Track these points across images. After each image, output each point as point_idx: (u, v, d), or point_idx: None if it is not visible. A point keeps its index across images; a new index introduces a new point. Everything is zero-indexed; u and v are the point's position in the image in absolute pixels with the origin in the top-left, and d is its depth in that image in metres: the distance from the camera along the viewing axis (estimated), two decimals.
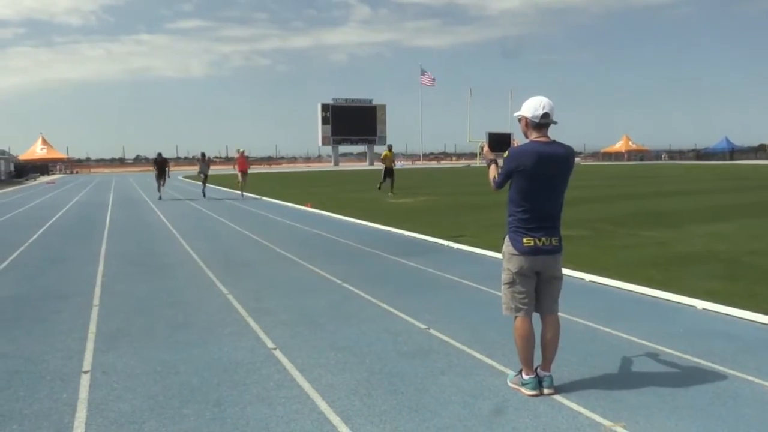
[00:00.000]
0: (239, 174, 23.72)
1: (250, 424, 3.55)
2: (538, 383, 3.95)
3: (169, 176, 24.86)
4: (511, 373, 4.17)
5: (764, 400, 3.79)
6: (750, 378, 4.13)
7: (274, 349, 4.90)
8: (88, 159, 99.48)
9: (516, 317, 4.01)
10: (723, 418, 3.55)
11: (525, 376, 3.97)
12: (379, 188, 24.36)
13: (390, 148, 25.06)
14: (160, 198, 22.66)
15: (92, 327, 5.59)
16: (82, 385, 4.17)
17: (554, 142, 3.98)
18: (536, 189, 3.93)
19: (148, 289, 7.22)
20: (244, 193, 23.26)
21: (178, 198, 23.99)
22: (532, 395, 3.89)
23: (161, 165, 24.56)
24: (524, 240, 3.92)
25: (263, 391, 4.02)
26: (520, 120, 4.04)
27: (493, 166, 4.22)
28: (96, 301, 6.62)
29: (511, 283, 4.00)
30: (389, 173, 23.75)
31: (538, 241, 3.92)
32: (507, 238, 4.04)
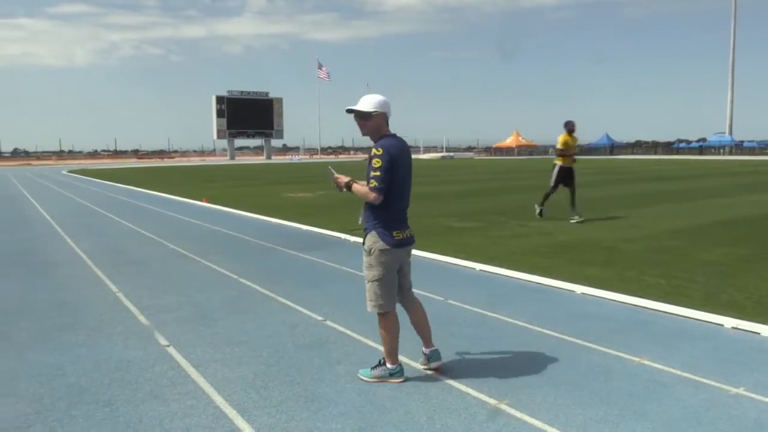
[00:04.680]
0: None
1: (143, 421, 3.50)
2: (427, 360, 4.17)
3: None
4: (367, 370, 4.15)
5: (631, 372, 4.16)
6: (620, 354, 4.50)
7: (168, 346, 4.82)
8: None
9: (386, 312, 4.04)
10: (596, 390, 3.86)
11: (390, 366, 4.06)
12: (540, 214, 12.59)
13: (570, 128, 12.21)
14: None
15: None
16: None
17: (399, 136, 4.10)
18: (401, 182, 3.99)
19: (30, 290, 6.85)
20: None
21: None
22: (401, 382, 4.02)
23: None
24: (394, 233, 3.96)
25: (156, 389, 3.96)
26: (375, 115, 3.97)
27: (355, 185, 4.02)
28: None
29: (382, 279, 3.99)
30: (568, 176, 12.34)
31: (403, 234, 4.02)
32: (374, 235, 3.97)
